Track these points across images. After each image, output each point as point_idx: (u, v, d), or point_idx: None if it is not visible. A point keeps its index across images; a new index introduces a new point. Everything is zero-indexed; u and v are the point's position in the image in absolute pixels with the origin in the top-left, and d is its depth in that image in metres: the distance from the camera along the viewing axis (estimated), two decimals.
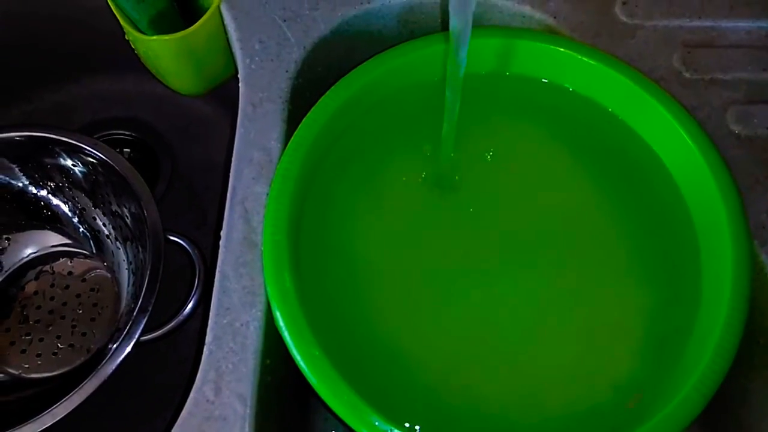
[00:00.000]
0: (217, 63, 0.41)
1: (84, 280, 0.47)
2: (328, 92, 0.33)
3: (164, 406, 0.45)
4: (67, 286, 0.47)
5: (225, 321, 0.30)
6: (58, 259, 0.47)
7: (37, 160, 0.43)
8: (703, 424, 0.36)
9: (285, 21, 0.37)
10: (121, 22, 0.39)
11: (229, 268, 0.31)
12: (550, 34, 0.36)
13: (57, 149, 0.42)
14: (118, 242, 0.46)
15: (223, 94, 0.48)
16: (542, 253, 0.33)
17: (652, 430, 0.27)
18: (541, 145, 0.35)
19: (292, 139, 0.32)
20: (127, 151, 0.55)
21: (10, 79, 0.53)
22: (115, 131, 0.55)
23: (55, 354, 0.44)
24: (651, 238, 0.33)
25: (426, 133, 0.34)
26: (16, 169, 0.44)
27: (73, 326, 0.45)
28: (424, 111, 0.35)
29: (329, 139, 0.33)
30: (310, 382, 0.27)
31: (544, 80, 0.36)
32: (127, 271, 0.45)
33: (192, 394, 0.28)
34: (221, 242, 0.31)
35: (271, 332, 0.30)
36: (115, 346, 0.36)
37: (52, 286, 0.47)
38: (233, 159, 0.33)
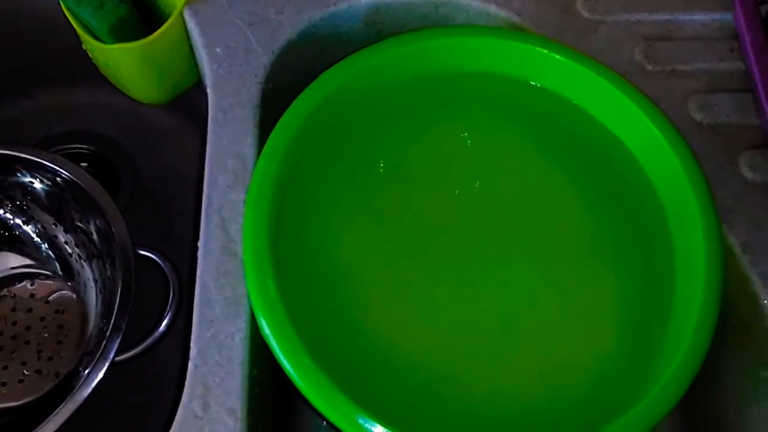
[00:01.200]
0: (180, 70, 0.40)
1: (47, 301, 0.45)
2: (301, 95, 0.33)
3: (141, 428, 0.43)
4: (30, 309, 0.45)
5: (209, 334, 0.29)
6: (19, 282, 0.45)
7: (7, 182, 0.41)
8: (679, 405, 0.37)
9: (251, 25, 0.36)
10: (78, 31, 0.37)
11: (210, 278, 0.30)
12: (515, 31, 0.37)
13: (16, 166, 0.40)
14: (82, 260, 0.44)
15: (183, 103, 0.47)
16: (518, 246, 0.33)
17: (637, 416, 0.28)
18: (512, 140, 0.36)
19: (267, 143, 0.32)
20: (84, 165, 0.53)
21: None
22: (71, 145, 0.53)
23: (21, 381, 0.42)
24: (623, 226, 0.34)
25: (401, 131, 0.34)
26: None
27: (39, 351, 0.43)
28: (398, 110, 0.35)
29: (305, 142, 0.33)
30: (301, 391, 0.27)
31: (511, 77, 0.36)
32: (93, 289, 0.44)
33: (180, 411, 0.27)
34: (199, 253, 0.31)
35: (256, 342, 0.29)
36: (89, 368, 0.34)
37: (14, 310, 0.44)
38: (206, 167, 0.33)
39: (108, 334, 0.35)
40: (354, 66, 0.34)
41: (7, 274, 0.45)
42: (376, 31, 0.39)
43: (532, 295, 0.33)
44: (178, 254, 0.45)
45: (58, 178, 0.40)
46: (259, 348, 0.29)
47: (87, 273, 0.44)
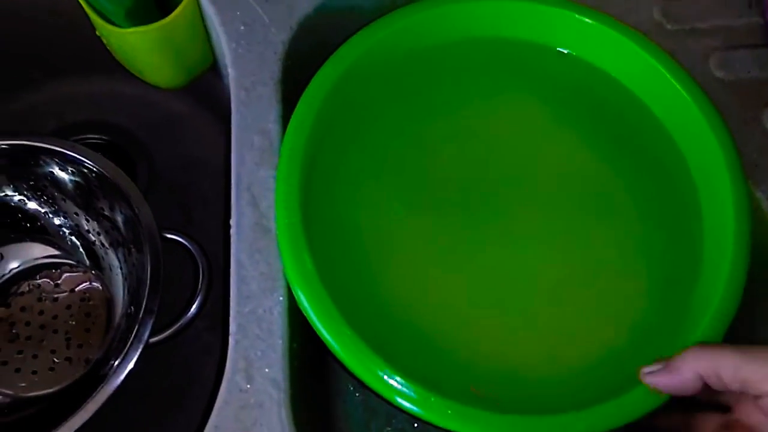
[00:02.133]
0: (196, 52, 0.40)
1: (73, 290, 0.45)
2: (321, 69, 0.33)
3: (174, 407, 0.44)
4: (56, 299, 0.45)
5: (247, 309, 0.29)
6: (43, 272, 0.45)
7: (19, 168, 0.41)
8: None
9: (267, 2, 0.36)
10: (92, 16, 0.37)
11: (244, 255, 0.30)
12: None
13: (38, 156, 0.40)
14: (106, 248, 0.44)
15: (195, 89, 0.47)
16: (544, 206, 0.34)
17: None
18: (533, 104, 0.36)
19: (291, 119, 0.32)
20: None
21: None
22: (85, 135, 0.53)
23: (51, 369, 0.43)
24: (649, 184, 0.34)
25: (424, 100, 0.34)
26: None
27: (68, 339, 0.44)
28: (420, 79, 0.35)
29: (329, 115, 0.33)
30: (342, 359, 0.27)
31: (531, 42, 0.36)
32: (118, 276, 0.44)
33: (224, 385, 0.28)
34: (232, 231, 0.31)
35: (294, 315, 0.30)
36: (124, 351, 0.35)
37: (40, 300, 0.45)
38: (233, 145, 0.33)
39: (141, 316, 0.36)
40: (372, 36, 0.34)
41: (31, 264, 0.46)
42: (391, 2, 0.38)
43: (558, 255, 0.33)
44: (201, 238, 0.46)
45: (80, 167, 0.40)
46: (296, 320, 0.30)
47: (111, 260, 0.44)
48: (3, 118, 0.52)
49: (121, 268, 0.44)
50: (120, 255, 0.43)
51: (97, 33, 0.40)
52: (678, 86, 0.33)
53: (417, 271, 0.32)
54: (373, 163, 0.33)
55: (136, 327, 0.35)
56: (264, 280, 0.30)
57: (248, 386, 0.28)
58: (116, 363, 0.35)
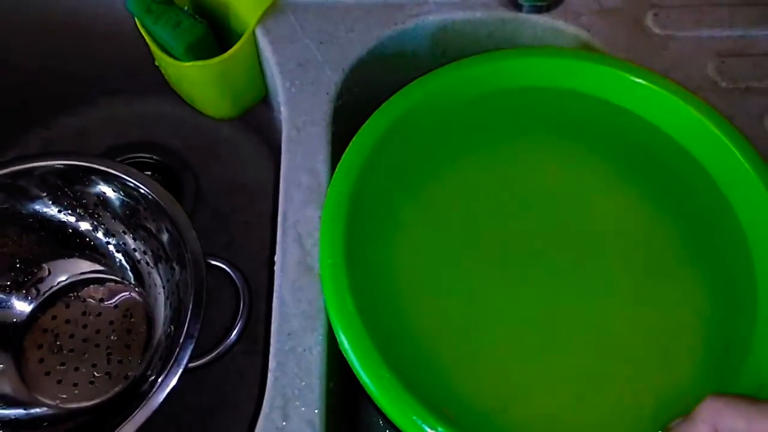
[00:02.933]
0: (250, 87, 0.41)
1: (116, 306, 0.46)
2: (375, 113, 0.33)
3: (205, 430, 0.45)
4: (99, 313, 0.46)
5: (287, 347, 0.30)
6: (88, 286, 0.47)
7: (71, 187, 0.43)
8: None
9: (321, 43, 0.37)
10: (153, 48, 0.39)
11: (287, 293, 0.31)
12: (587, 50, 0.37)
13: (90, 176, 0.42)
14: (150, 267, 0.46)
15: (245, 115, 0.48)
16: (594, 261, 0.33)
17: None
18: (584, 156, 0.35)
19: (342, 160, 0.32)
20: (148, 174, 0.55)
21: (28, 104, 0.53)
22: (135, 155, 0.55)
23: (91, 383, 0.44)
24: (702, 245, 0.33)
25: (472, 149, 0.35)
26: (49, 197, 0.43)
27: (108, 354, 0.45)
28: (469, 128, 0.35)
29: (378, 159, 0.33)
30: (380, 405, 0.28)
31: (586, 94, 0.36)
32: (161, 295, 0.45)
33: (261, 422, 0.28)
34: (276, 267, 0.32)
35: (333, 355, 0.30)
36: (163, 373, 0.36)
37: (84, 314, 0.46)
38: (281, 183, 0.33)
39: (181, 341, 0.37)
40: (425, 86, 0.34)
41: (78, 278, 0.47)
42: (442, 49, 0.39)
43: (604, 309, 0.32)
44: (241, 263, 0.47)
45: (131, 189, 0.42)
46: (335, 360, 0.30)
47: (155, 279, 0.45)
48: (60, 133, 0.54)
49: (163, 287, 0.45)
50: (163, 274, 0.45)
51: (155, 63, 0.42)
52: (730, 145, 0.32)
53: (459, 317, 0.32)
54: (418, 208, 0.34)
55: (177, 350, 0.36)
56: (305, 319, 0.30)
57: (284, 424, 0.28)
58: (156, 384, 0.36)
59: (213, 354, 0.37)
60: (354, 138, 0.33)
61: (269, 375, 0.29)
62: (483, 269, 0.33)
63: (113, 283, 0.47)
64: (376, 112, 0.33)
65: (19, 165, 0.40)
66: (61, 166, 0.41)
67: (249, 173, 0.54)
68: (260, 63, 0.40)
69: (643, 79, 0.34)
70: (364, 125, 0.33)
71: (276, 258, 0.32)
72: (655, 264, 0.33)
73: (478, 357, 0.31)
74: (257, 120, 0.51)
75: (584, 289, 0.32)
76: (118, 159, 0.55)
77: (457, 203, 0.34)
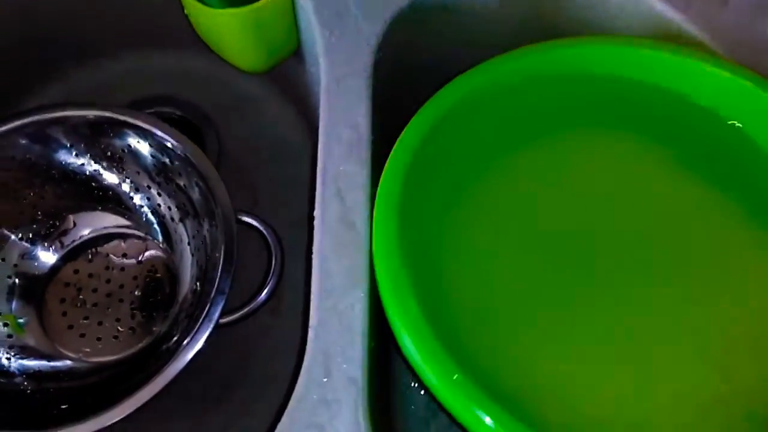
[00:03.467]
0: (283, 38, 0.40)
1: (140, 261, 0.46)
2: (422, 109, 0.32)
3: (230, 387, 0.44)
4: (123, 268, 0.46)
5: (329, 303, 0.29)
6: (112, 241, 0.46)
7: (99, 139, 0.42)
8: None
9: None
10: None
11: (328, 249, 0.30)
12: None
13: (122, 129, 0.40)
14: (176, 222, 0.45)
15: (270, 70, 0.47)
16: (678, 270, 0.31)
17: None
18: (655, 153, 0.34)
19: (389, 161, 0.31)
20: None
21: (47, 54, 0.51)
22: (156, 109, 0.53)
23: (115, 338, 0.44)
24: None
25: (531, 144, 0.33)
26: (76, 148, 0.42)
27: (132, 309, 0.44)
28: (527, 122, 0.34)
29: (426, 157, 0.31)
30: (447, 403, 0.26)
31: (663, 88, 0.34)
32: (186, 251, 0.45)
33: (302, 376, 0.28)
34: (316, 223, 0.31)
35: (374, 314, 0.29)
36: (195, 329, 0.35)
37: (107, 268, 0.46)
38: (321, 137, 0.32)
39: (212, 296, 0.36)
40: (477, 77, 0.33)
41: (100, 233, 0.46)
42: (482, 4, 0.38)
43: (693, 323, 0.30)
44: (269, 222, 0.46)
45: (159, 142, 0.41)
46: (376, 320, 0.30)
47: (181, 235, 0.45)
48: (80, 85, 0.53)
49: (189, 243, 0.44)
50: (190, 230, 0.44)
51: (185, 12, 0.40)
52: None
53: (525, 315, 0.30)
54: (472, 206, 0.32)
55: (208, 306, 0.36)
56: (347, 276, 0.30)
57: (326, 380, 0.28)
58: (186, 341, 0.35)
59: (244, 310, 0.37)
60: (401, 136, 0.31)
61: (310, 331, 0.29)
62: (549, 271, 0.31)
63: (137, 239, 0.46)
64: (422, 107, 0.32)
65: (49, 113, 0.39)
66: (92, 117, 0.40)
67: (273, 130, 0.53)
68: (295, 13, 0.38)
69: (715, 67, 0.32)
70: (410, 122, 0.31)
71: (315, 213, 0.31)
72: (725, 256, 0.31)
73: (552, 364, 0.29)
74: (283, 75, 0.49)
75: (653, 282, 0.30)
76: None
77: (512, 196, 0.32)
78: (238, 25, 0.37)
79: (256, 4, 0.36)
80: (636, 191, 0.33)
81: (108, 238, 0.46)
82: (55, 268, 0.45)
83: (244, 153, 0.52)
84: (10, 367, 0.41)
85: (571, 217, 0.32)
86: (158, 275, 0.45)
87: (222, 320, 0.36)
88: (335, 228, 0.30)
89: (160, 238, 0.46)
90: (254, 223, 0.39)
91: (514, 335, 0.29)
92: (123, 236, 0.47)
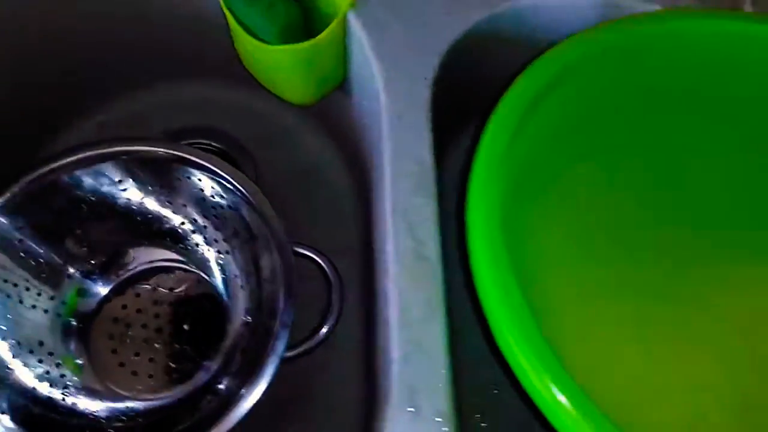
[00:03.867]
0: (333, 72, 0.40)
1: (187, 295, 0.46)
2: (510, 90, 0.30)
3: (283, 420, 0.44)
4: (171, 303, 0.46)
5: (409, 336, 0.29)
6: (160, 275, 0.46)
7: (149, 172, 0.42)
8: None
9: (417, 27, 0.36)
10: (238, 31, 0.38)
11: (404, 282, 0.30)
12: None
13: (173, 163, 0.41)
14: (225, 254, 0.45)
15: None
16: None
17: None
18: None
19: (477, 164, 0.29)
20: None
21: (81, 86, 0.51)
22: (192, 140, 0.54)
23: (167, 374, 0.43)
24: None
25: (641, 138, 0.31)
26: (126, 182, 0.43)
27: (183, 344, 0.44)
28: (640, 107, 0.31)
29: (523, 143, 0.29)
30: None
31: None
32: (236, 285, 0.45)
33: (389, 412, 0.28)
34: (389, 257, 0.31)
35: (450, 344, 0.30)
36: (264, 362, 0.35)
37: (156, 303, 0.46)
38: (387, 172, 0.33)
39: (276, 330, 0.36)
40: (586, 45, 0.30)
41: (146, 267, 0.46)
42: (540, 35, 0.38)
43: None
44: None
45: (213, 177, 0.41)
46: (452, 348, 0.30)
47: (230, 268, 0.45)
48: (115, 117, 0.53)
49: (237, 276, 0.45)
50: (240, 263, 0.44)
51: (235, 45, 0.41)
52: None
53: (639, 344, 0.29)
54: (562, 196, 0.30)
55: (273, 340, 0.36)
56: (425, 308, 0.30)
57: (415, 415, 0.28)
58: (252, 376, 0.35)
59: (306, 345, 0.37)
60: (505, 97, 0.30)
61: (393, 366, 0.29)
62: (662, 287, 0.29)
63: (184, 272, 0.46)
64: (510, 88, 0.30)
65: (103, 148, 0.39)
66: (144, 152, 0.40)
67: (308, 160, 0.54)
68: (345, 47, 0.39)
69: None
70: (510, 89, 0.30)
71: (387, 248, 0.31)
72: None
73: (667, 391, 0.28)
74: (318, 107, 0.50)
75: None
76: None
77: (604, 186, 0.31)
78: (294, 61, 0.37)
79: (313, 40, 0.36)
80: (735, 181, 0.31)
81: (155, 271, 0.46)
82: (102, 305, 0.45)
83: (281, 184, 0.52)
84: (66, 407, 0.40)
85: (667, 209, 0.30)
86: (206, 309, 0.45)
87: (286, 354, 0.36)
88: (409, 261, 0.31)
89: (208, 270, 0.46)
90: (312, 255, 0.39)
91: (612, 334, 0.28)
92: (169, 270, 0.47)
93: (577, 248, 0.30)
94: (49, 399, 0.41)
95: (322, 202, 0.51)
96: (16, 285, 0.41)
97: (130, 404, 0.42)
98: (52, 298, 0.43)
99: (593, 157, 0.31)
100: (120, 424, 0.41)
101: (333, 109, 0.48)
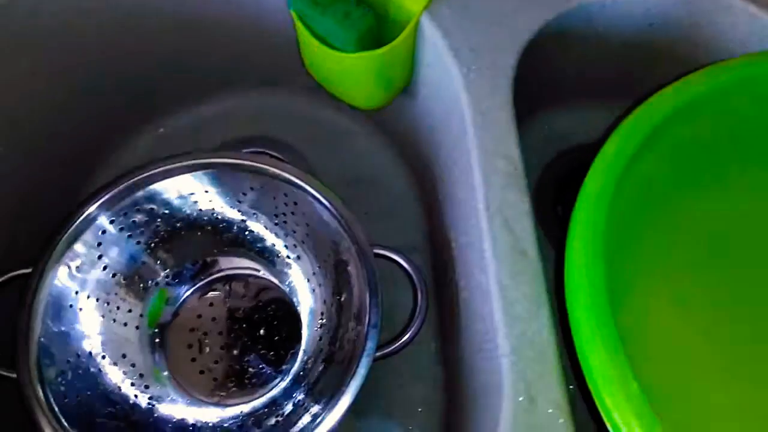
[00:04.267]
0: (403, 76, 0.41)
1: (259, 301, 0.46)
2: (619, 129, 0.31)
3: (366, 417, 0.45)
4: (244, 309, 0.46)
5: (517, 331, 0.30)
6: (234, 281, 0.47)
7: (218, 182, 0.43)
8: None
9: (492, 26, 0.37)
10: (309, 40, 0.38)
11: (506, 278, 0.31)
12: None
13: (239, 171, 0.42)
14: (297, 260, 0.46)
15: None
16: None
17: None
18: None
19: (588, 185, 0.30)
20: None
21: (140, 101, 0.52)
22: (249, 149, 0.54)
23: (248, 379, 0.44)
24: None
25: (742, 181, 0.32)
26: (199, 195, 0.43)
27: (259, 349, 0.45)
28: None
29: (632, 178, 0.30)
30: None
31: None
32: (308, 288, 0.45)
33: (506, 405, 0.28)
34: (487, 253, 0.32)
35: (560, 338, 0.30)
36: (357, 362, 0.36)
37: (229, 310, 0.46)
38: (477, 170, 0.33)
39: (367, 331, 0.37)
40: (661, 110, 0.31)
41: (216, 276, 0.47)
42: (617, 30, 0.39)
43: None
44: None
45: (281, 182, 0.41)
46: (563, 344, 0.31)
47: (302, 271, 0.45)
48: (173, 129, 0.54)
49: (308, 280, 0.45)
50: (313, 266, 0.45)
51: (302, 54, 0.42)
52: None
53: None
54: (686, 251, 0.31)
55: (365, 341, 0.37)
56: (528, 302, 0.30)
57: (530, 407, 0.28)
58: (350, 376, 0.36)
59: (395, 345, 0.38)
60: (589, 177, 0.30)
61: (504, 360, 0.29)
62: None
63: (254, 279, 0.47)
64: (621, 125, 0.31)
65: (189, 160, 0.40)
66: (222, 163, 0.41)
67: (365, 164, 0.54)
68: (415, 51, 0.40)
69: None
70: (622, 125, 0.30)
71: (485, 245, 0.32)
72: None
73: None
74: (372, 111, 0.51)
75: None
76: None
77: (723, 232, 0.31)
78: (369, 67, 0.38)
79: (388, 46, 0.37)
80: None
81: (231, 278, 0.47)
82: (179, 314, 0.46)
83: (338, 188, 0.53)
84: (154, 419, 0.41)
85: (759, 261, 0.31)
86: (280, 313, 0.46)
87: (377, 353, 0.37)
88: (509, 257, 0.31)
89: (283, 276, 0.46)
90: (392, 255, 0.40)
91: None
92: (243, 276, 0.47)
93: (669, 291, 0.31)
94: (134, 407, 0.41)
95: (381, 205, 0.52)
96: (108, 303, 0.42)
97: (213, 410, 0.43)
98: (130, 311, 0.43)
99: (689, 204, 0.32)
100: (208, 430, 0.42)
101: (388, 112, 0.48)
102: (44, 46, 0.42)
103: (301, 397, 0.42)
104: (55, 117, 0.45)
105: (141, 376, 0.43)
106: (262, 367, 0.44)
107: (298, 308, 0.46)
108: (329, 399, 0.36)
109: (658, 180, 0.32)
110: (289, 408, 0.42)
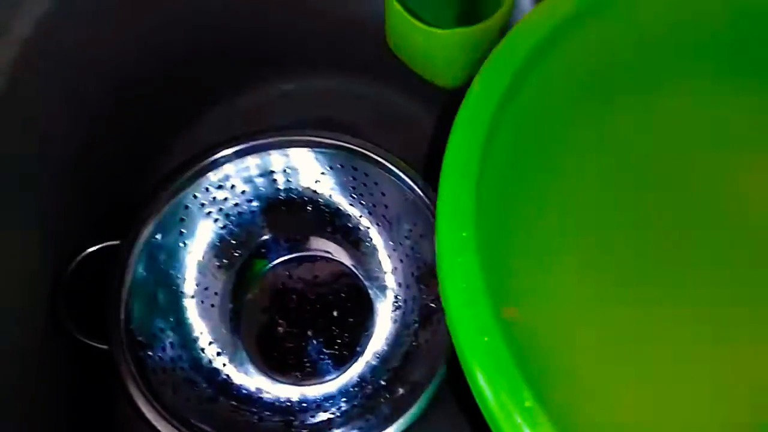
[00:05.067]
0: (486, 53, 0.40)
1: (331, 281, 0.46)
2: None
3: None
4: (315, 290, 0.46)
5: None
6: (303, 264, 0.47)
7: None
8: None
9: None
10: (404, 16, 0.38)
11: None
12: None
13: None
14: (372, 239, 0.45)
15: (420, 88, 0.47)
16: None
17: None
18: None
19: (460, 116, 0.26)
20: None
21: (206, 83, 0.52)
22: (313, 132, 0.54)
23: (323, 359, 0.44)
24: None
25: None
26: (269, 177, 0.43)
27: (333, 329, 0.45)
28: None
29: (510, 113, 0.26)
30: None
31: None
32: (382, 265, 0.45)
33: None
34: None
35: None
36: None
37: (301, 291, 0.46)
38: None
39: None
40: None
41: (286, 257, 0.47)
42: None
43: None
44: None
45: (389, 176, 0.42)
46: None
47: (374, 249, 0.45)
48: (237, 111, 0.53)
49: (389, 257, 0.45)
50: (389, 244, 0.44)
51: (388, 32, 0.41)
52: None
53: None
54: (552, 173, 0.27)
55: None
56: None
57: None
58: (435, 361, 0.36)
59: None
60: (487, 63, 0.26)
61: None
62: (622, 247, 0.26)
63: (326, 261, 0.47)
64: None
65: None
66: (306, 142, 0.41)
67: (428, 146, 0.54)
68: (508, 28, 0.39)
69: None
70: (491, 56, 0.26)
71: None
72: None
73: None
74: (430, 91, 0.50)
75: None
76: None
77: (599, 161, 0.27)
78: (464, 43, 0.38)
79: (485, 22, 0.36)
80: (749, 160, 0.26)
81: (300, 261, 0.47)
82: (250, 297, 0.45)
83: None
84: (233, 393, 0.41)
85: (665, 192, 0.27)
86: (352, 294, 0.45)
87: None
88: None
89: (357, 256, 0.46)
90: None
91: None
92: (312, 258, 0.47)
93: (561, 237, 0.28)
94: (221, 380, 0.41)
95: None
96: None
97: (291, 389, 0.43)
98: (207, 288, 0.43)
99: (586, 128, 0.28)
100: (283, 411, 0.42)
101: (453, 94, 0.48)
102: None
103: (384, 379, 0.41)
104: (138, 87, 0.44)
105: (220, 353, 0.42)
106: (337, 348, 0.44)
107: (373, 290, 0.45)
108: (413, 385, 0.36)
109: (539, 120, 0.28)
110: (369, 390, 0.42)
